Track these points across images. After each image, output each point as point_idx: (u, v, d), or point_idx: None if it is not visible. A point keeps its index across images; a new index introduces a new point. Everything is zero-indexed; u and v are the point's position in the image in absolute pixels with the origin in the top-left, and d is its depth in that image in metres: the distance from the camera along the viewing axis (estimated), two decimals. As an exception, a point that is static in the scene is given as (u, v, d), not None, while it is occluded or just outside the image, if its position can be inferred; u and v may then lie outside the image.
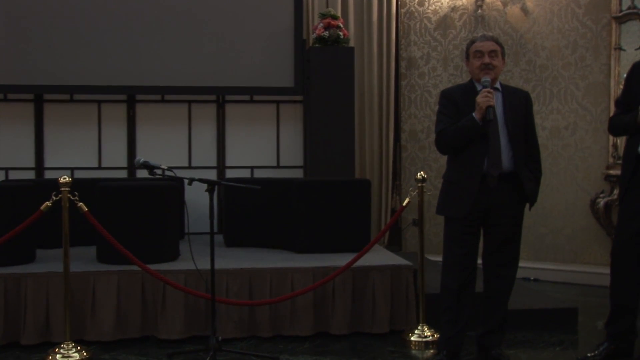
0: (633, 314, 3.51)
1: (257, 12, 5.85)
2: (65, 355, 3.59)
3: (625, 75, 3.70)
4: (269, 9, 5.88)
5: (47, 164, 5.83)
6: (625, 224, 3.48)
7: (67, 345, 3.64)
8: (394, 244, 6.35)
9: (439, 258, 3.67)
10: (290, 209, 4.71)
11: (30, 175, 5.74)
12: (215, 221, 4.25)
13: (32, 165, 5.80)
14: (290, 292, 4.02)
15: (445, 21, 6.31)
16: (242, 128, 6.07)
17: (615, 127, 3.62)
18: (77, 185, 3.87)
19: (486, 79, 3.33)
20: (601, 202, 5.61)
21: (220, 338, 3.54)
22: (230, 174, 6.00)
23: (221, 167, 6.05)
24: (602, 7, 5.64)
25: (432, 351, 3.84)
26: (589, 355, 3.54)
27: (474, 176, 3.31)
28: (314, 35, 5.71)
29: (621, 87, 3.83)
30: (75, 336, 3.76)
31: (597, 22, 5.69)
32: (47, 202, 3.72)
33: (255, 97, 6.07)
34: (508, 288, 3.49)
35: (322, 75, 5.61)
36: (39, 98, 5.82)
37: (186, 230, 4.49)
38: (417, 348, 3.89)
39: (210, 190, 3.55)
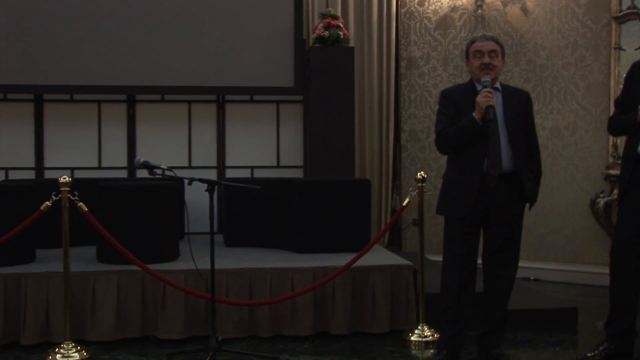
0: (633, 314, 3.51)
1: (257, 12, 5.86)
2: (65, 355, 3.60)
3: (625, 75, 3.70)
4: (269, 9, 5.88)
5: (47, 164, 5.83)
6: (624, 223, 3.48)
7: (67, 345, 3.64)
8: (394, 244, 6.35)
9: (439, 258, 3.67)
10: (290, 209, 4.71)
11: (30, 175, 5.75)
12: (215, 221, 4.25)
13: (32, 165, 5.80)
14: (290, 292, 4.02)
15: (445, 21, 6.31)
16: (242, 128, 6.07)
17: (614, 127, 3.62)
18: (77, 185, 3.87)
19: (486, 79, 3.33)
20: (601, 202, 5.61)
21: (220, 338, 3.54)
22: (230, 174, 6.00)
23: (221, 167, 6.05)
24: (602, 7, 5.64)
25: (432, 351, 3.84)
26: (589, 355, 3.54)
27: (474, 176, 3.31)
28: (314, 35, 5.71)
29: (621, 87, 3.83)
30: (75, 336, 3.76)
31: (597, 22, 5.69)
32: (47, 202, 3.72)
33: (255, 97, 6.07)
34: (508, 288, 3.49)
35: (322, 75, 5.62)
36: (39, 98, 5.82)
37: (186, 230, 4.49)
38: (417, 348, 3.89)
39: (210, 190, 3.55)
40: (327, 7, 6.09)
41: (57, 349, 3.63)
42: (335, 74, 5.61)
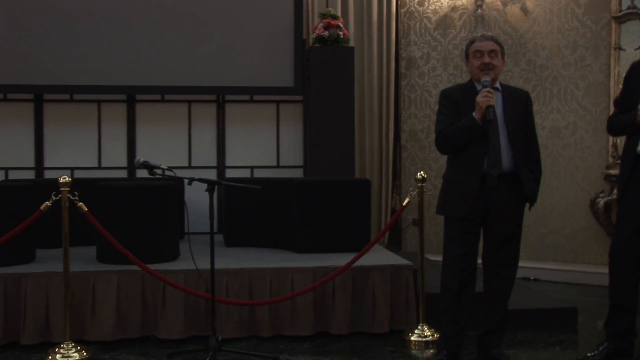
0: (632, 314, 3.51)
1: (257, 12, 5.86)
2: (65, 355, 3.59)
3: (624, 75, 3.70)
4: (269, 9, 5.88)
5: (47, 164, 5.83)
6: (624, 223, 3.48)
7: (67, 345, 3.64)
8: (394, 243, 6.35)
9: (439, 258, 3.67)
10: (290, 208, 4.71)
11: (30, 175, 5.75)
12: (215, 221, 4.25)
13: (32, 165, 5.80)
14: (290, 292, 4.02)
15: (445, 21, 6.31)
16: (242, 128, 6.07)
17: (614, 127, 3.61)
18: (77, 185, 3.87)
19: (486, 78, 3.33)
20: (601, 201, 5.61)
21: (220, 338, 3.53)
22: (230, 173, 6.00)
23: (221, 167, 6.05)
24: (602, 7, 5.65)
25: (432, 351, 3.84)
26: (589, 355, 3.54)
27: (474, 176, 3.31)
28: (314, 35, 5.71)
29: (621, 86, 3.83)
30: (75, 336, 3.76)
31: (597, 22, 5.69)
32: (47, 202, 3.72)
33: (255, 97, 6.07)
34: (508, 288, 3.49)
35: (322, 75, 5.61)
36: (39, 98, 5.82)
37: (186, 230, 4.49)
38: (417, 348, 3.89)
39: (210, 190, 3.55)
40: (327, 7, 6.09)
41: (57, 349, 3.63)
42: (335, 74, 5.61)
